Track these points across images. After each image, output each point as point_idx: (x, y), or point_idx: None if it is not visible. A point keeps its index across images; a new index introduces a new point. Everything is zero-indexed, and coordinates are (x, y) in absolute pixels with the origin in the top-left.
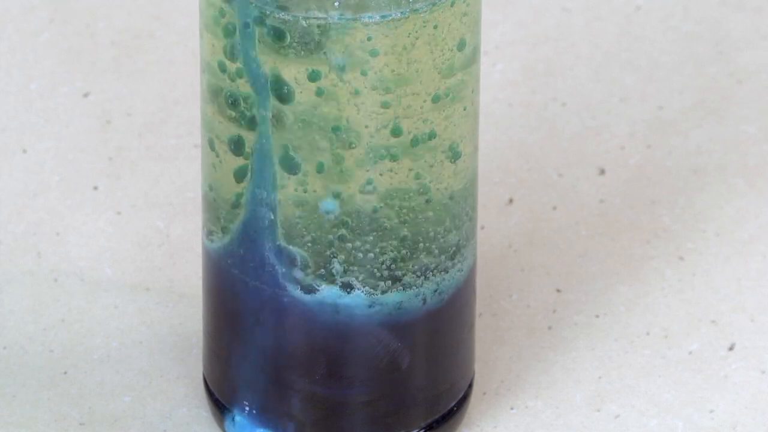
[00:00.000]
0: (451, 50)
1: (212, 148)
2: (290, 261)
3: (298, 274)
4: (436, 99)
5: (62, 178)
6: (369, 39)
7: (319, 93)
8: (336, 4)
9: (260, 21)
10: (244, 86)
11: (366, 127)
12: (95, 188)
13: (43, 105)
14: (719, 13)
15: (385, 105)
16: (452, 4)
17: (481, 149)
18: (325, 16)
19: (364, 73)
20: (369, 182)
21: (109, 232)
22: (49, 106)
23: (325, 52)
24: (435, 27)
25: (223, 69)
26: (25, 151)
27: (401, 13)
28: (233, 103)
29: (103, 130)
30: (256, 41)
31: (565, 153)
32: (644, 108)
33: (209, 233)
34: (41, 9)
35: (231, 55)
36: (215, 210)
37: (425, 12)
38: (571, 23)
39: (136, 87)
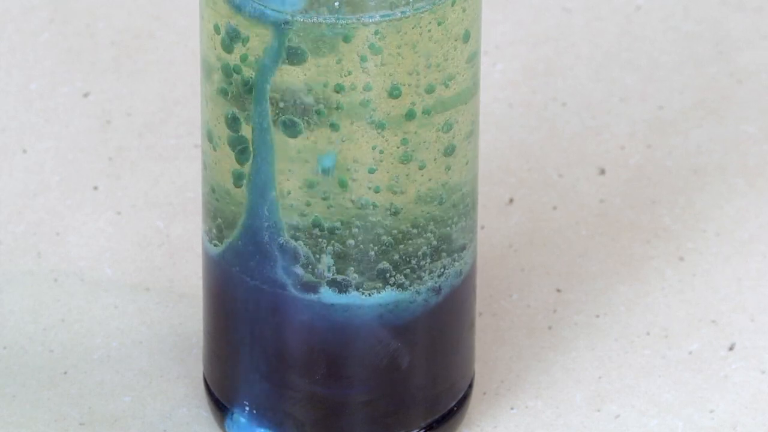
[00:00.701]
0: (455, 48)
1: (212, 144)
2: (290, 258)
3: (298, 271)
4: (431, 89)
5: (62, 178)
6: (376, 34)
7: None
8: (336, 4)
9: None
10: (246, 70)
11: (366, 103)
12: (95, 188)
13: (43, 105)
14: (719, 13)
15: (391, 93)
16: (453, 4)
17: (481, 149)
18: (327, 16)
19: (367, 71)
20: (370, 170)
21: (109, 232)
22: (49, 106)
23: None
24: (439, 23)
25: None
26: (25, 151)
27: (402, 12)
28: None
29: (103, 130)
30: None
31: (565, 153)
32: (644, 108)
33: (210, 234)
34: (41, 9)
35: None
36: (216, 211)
37: (427, 11)
38: (571, 23)
39: (136, 87)
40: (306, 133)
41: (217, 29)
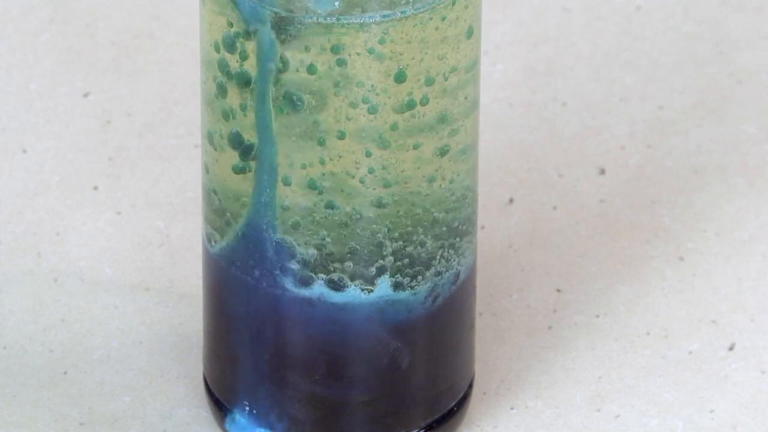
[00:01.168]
0: (458, 45)
1: (213, 145)
2: (289, 255)
3: (297, 268)
4: (431, 81)
5: (62, 178)
6: (376, 33)
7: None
8: (336, 4)
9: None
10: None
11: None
12: (95, 188)
13: (43, 105)
14: (719, 13)
15: (390, 88)
16: (454, 3)
17: (481, 149)
18: (327, 15)
19: (367, 69)
20: (367, 153)
21: (109, 232)
22: (49, 106)
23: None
24: (443, 19)
25: (226, 52)
26: (25, 151)
27: (402, 12)
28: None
29: (103, 130)
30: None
31: (565, 153)
32: (644, 108)
33: (210, 234)
34: (41, 9)
35: (231, 45)
36: (218, 211)
37: (427, 11)
38: (571, 23)
39: (136, 87)
40: (307, 116)
41: (215, 31)
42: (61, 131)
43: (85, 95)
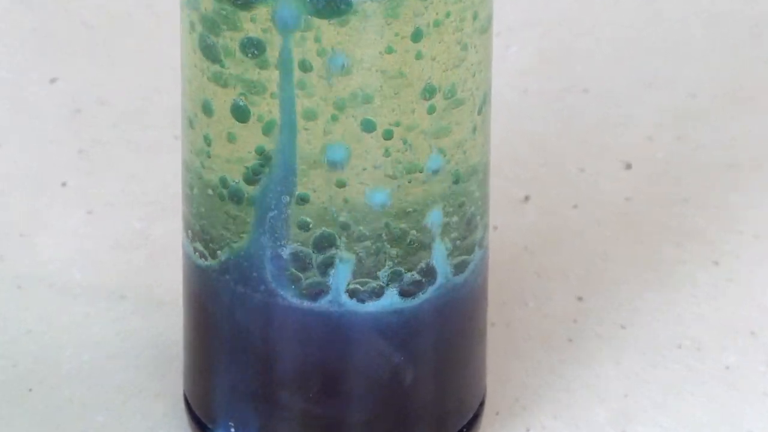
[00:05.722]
0: (463, 21)
1: (210, 150)
2: (284, 263)
3: (292, 277)
4: (433, 76)
5: (27, 173)
6: (381, 10)
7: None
8: None
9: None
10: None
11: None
12: (64, 185)
13: (5, 92)
14: None
15: (400, 74)
16: None
17: (492, 141)
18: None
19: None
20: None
21: (80, 233)
22: (13, 93)
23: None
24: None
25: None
26: None
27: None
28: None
29: (72, 120)
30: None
31: (586, 145)
32: (673, 95)
33: (198, 251)
34: None
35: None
36: (209, 222)
37: None
38: (591, 1)
39: (110, 72)
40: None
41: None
42: (26, 121)
43: (52, 81)
